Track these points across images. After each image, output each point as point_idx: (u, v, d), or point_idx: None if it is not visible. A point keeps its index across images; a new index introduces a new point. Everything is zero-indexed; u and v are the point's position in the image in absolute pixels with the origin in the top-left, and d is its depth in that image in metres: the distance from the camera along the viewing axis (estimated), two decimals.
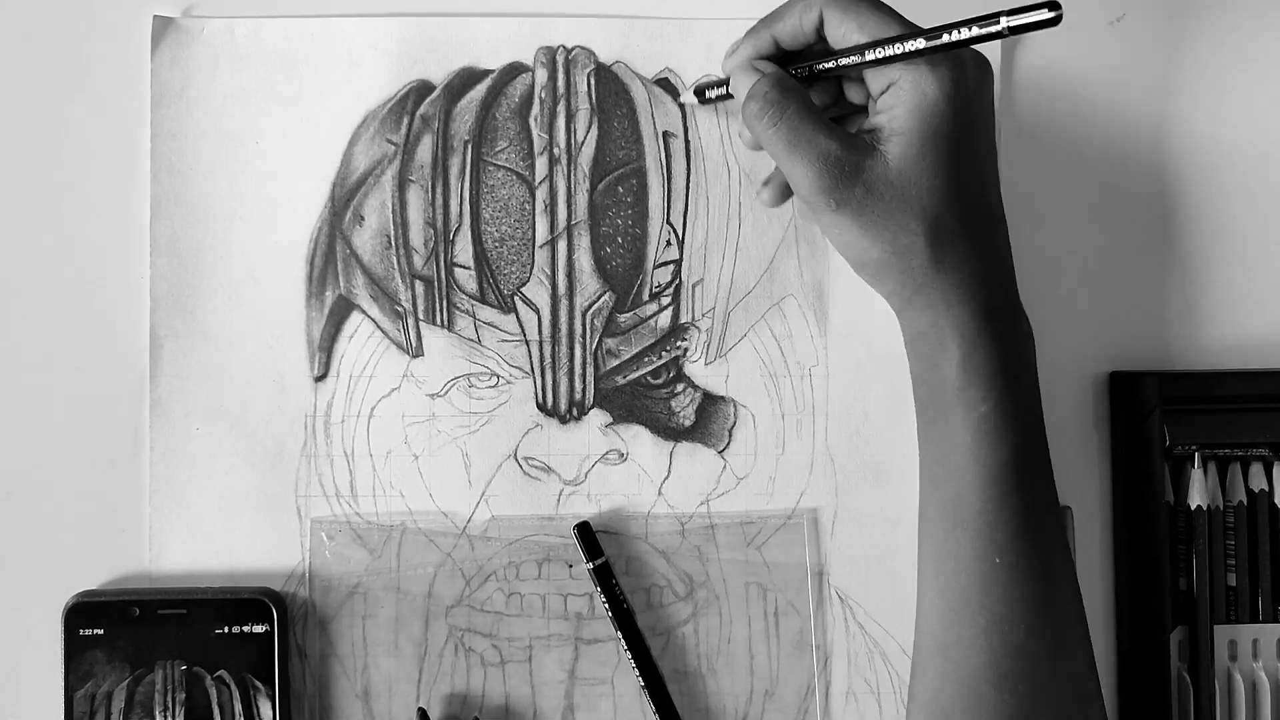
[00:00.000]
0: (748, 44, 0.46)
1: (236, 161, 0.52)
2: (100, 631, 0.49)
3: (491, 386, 0.52)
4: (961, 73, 0.42)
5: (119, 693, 0.49)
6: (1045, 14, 0.36)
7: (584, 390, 0.52)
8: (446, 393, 0.52)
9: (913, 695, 0.44)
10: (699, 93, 0.51)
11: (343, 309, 0.52)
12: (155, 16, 0.51)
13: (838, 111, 0.47)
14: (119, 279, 0.51)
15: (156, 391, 0.51)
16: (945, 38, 0.40)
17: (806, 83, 0.46)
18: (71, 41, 0.52)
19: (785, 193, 0.50)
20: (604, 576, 0.50)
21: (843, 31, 0.43)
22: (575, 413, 0.52)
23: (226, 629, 0.49)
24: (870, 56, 0.42)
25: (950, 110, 0.42)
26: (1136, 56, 0.54)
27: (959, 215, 0.42)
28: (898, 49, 0.41)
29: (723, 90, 0.49)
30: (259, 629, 0.49)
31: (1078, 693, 0.43)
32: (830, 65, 0.44)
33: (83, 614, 0.49)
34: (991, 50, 0.52)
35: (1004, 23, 0.37)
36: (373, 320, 0.51)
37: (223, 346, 0.51)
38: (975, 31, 0.39)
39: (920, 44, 0.41)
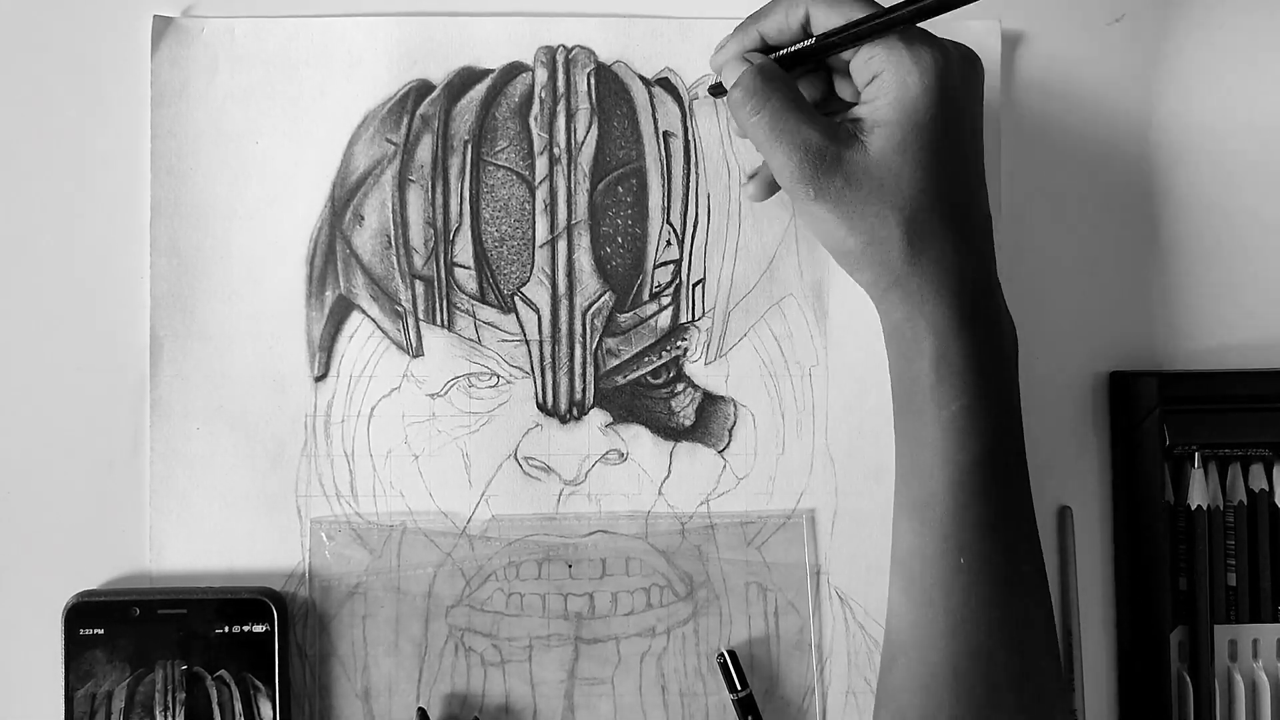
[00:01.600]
0: (735, 40, 0.47)
1: (236, 161, 0.52)
2: (100, 631, 0.49)
3: (491, 386, 0.52)
4: (946, 66, 0.42)
5: (119, 693, 0.49)
6: None
7: (584, 390, 0.52)
8: (446, 392, 0.52)
9: (878, 694, 0.44)
10: (713, 89, 0.51)
11: (343, 309, 0.52)
12: (155, 16, 0.51)
13: (827, 109, 0.47)
14: (119, 279, 0.51)
15: (156, 391, 0.51)
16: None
17: (794, 73, 0.46)
18: (71, 41, 0.52)
19: (771, 187, 0.50)
20: (748, 709, 0.50)
21: (829, 25, 0.43)
22: (575, 412, 0.52)
23: (226, 629, 0.49)
24: (851, 32, 0.43)
25: (932, 103, 0.42)
26: (1136, 56, 0.54)
27: (938, 209, 0.42)
28: (877, 22, 0.42)
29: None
30: (259, 629, 0.49)
31: (1038, 696, 0.42)
32: (811, 44, 0.44)
33: (83, 614, 0.49)
34: (991, 50, 0.52)
35: None
36: (373, 320, 0.51)
37: (223, 346, 0.51)
38: None
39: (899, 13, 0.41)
